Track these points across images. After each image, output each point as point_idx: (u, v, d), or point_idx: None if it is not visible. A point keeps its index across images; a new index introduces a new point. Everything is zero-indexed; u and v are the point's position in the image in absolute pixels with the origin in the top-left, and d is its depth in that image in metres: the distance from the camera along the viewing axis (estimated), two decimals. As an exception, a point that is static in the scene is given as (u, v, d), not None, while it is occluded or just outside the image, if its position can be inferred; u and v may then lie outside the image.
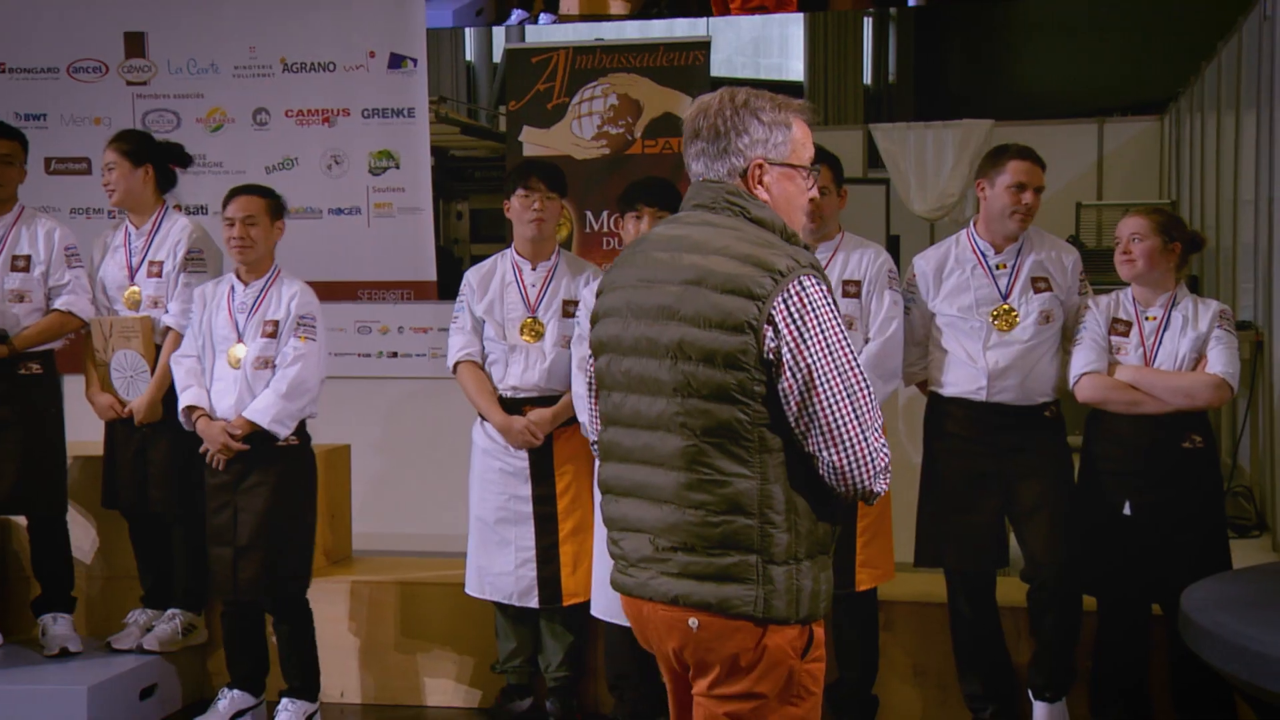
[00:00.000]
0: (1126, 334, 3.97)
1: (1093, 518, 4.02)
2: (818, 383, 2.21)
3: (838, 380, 2.22)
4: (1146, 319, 3.97)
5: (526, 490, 4.32)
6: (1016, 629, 4.24)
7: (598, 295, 2.51)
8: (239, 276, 4.33)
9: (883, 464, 2.25)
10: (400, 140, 5.57)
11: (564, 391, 4.30)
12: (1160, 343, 3.94)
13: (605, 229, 5.61)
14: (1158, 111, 10.87)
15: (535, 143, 5.61)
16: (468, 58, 13.16)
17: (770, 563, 2.26)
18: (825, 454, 2.24)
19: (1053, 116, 12.30)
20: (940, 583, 4.28)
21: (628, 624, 4.12)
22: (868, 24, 16.01)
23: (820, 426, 2.23)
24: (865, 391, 2.25)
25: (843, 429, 2.22)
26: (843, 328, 2.28)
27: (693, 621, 2.30)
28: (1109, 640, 4.08)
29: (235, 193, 4.34)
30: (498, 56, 12.14)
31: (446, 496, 4.95)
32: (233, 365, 4.25)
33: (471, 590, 4.45)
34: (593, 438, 4.15)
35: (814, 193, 2.46)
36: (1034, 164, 4.04)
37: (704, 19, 8.77)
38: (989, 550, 4.10)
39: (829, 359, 2.22)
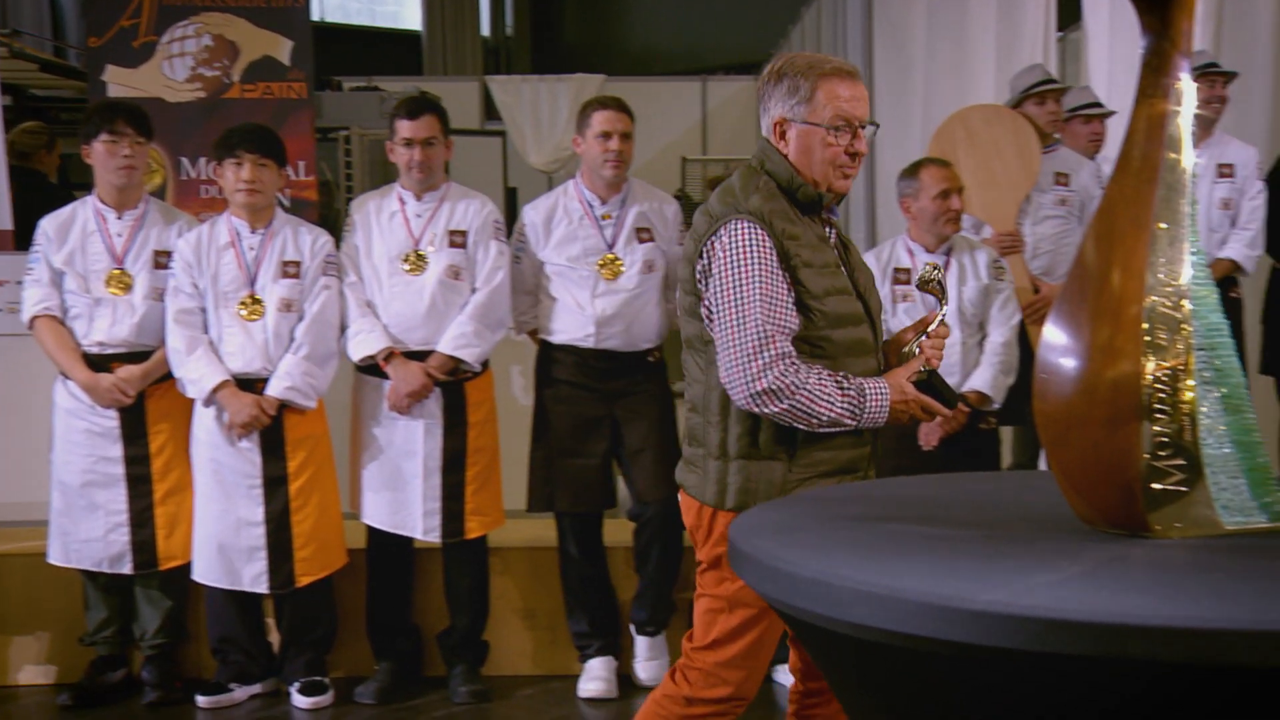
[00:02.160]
0: None
1: None
2: (714, 308, 2.58)
3: (731, 309, 2.54)
4: None
5: (117, 451, 4.09)
6: (622, 568, 4.41)
7: None
8: None
9: (760, 388, 2.50)
10: (-37, 77, 5.06)
11: (156, 347, 4.08)
12: None
13: (203, 176, 5.33)
14: (754, 72, 11.49)
15: (122, 83, 5.25)
16: (52, -11, 12.12)
17: (709, 457, 2.65)
18: (718, 368, 2.59)
19: (660, 74, 12.76)
20: (549, 526, 4.39)
21: (229, 587, 4.06)
22: (484, -25, 15.99)
23: (716, 344, 2.60)
24: (755, 322, 2.52)
25: (727, 349, 2.55)
26: (760, 265, 2.54)
27: (679, 496, 2.77)
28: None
29: None
30: (87, -11, 11.24)
31: (24, 461, 4.59)
32: None
33: (55, 559, 4.17)
34: (190, 394, 4.01)
35: (853, 147, 2.63)
36: (618, 112, 4.17)
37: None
38: (597, 493, 4.24)
39: (730, 289, 2.55)
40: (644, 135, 10.16)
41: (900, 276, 4.22)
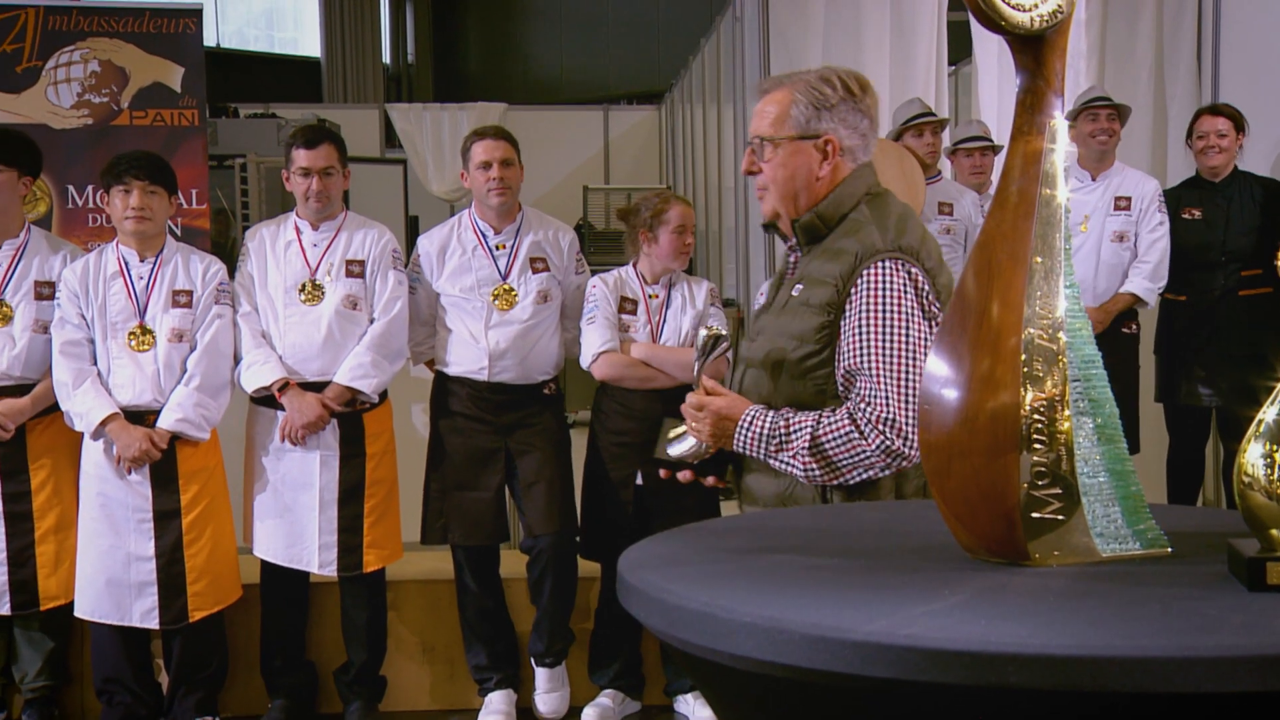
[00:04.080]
0: (634, 312, 4.17)
1: (605, 489, 4.21)
2: None
3: None
4: (651, 297, 4.19)
5: (-4, 488, 3.97)
6: (521, 600, 4.38)
7: None
8: None
9: None
10: None
11: (39, 380, 3.97)
12: (665, 320, 4.19)
13: (90, 205, 5.21)
14: (656, 101, 11.56)
15: (4, 109, 5.12)
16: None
17: None
18: None
19: (563, 103, 12.80)
20: (446, 559, 4.35)
21: (118, 623, 3.95)
22: (385, 3, 15.92)
23: None
24: None
25: None
26: None
27: None
28: (609, 605, 4.31)
29: None
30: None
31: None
32: None
33: (-69, 602, 4.02)
34: (78, 427, 3.90)
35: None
36: (495, 140, 4.17)
37: (210, -15, 8.37)
38: (490, 526, 4.21)
39: None
40: (546, 164, 10.24)
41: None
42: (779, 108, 2.33)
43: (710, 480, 2.39)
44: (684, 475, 2.37)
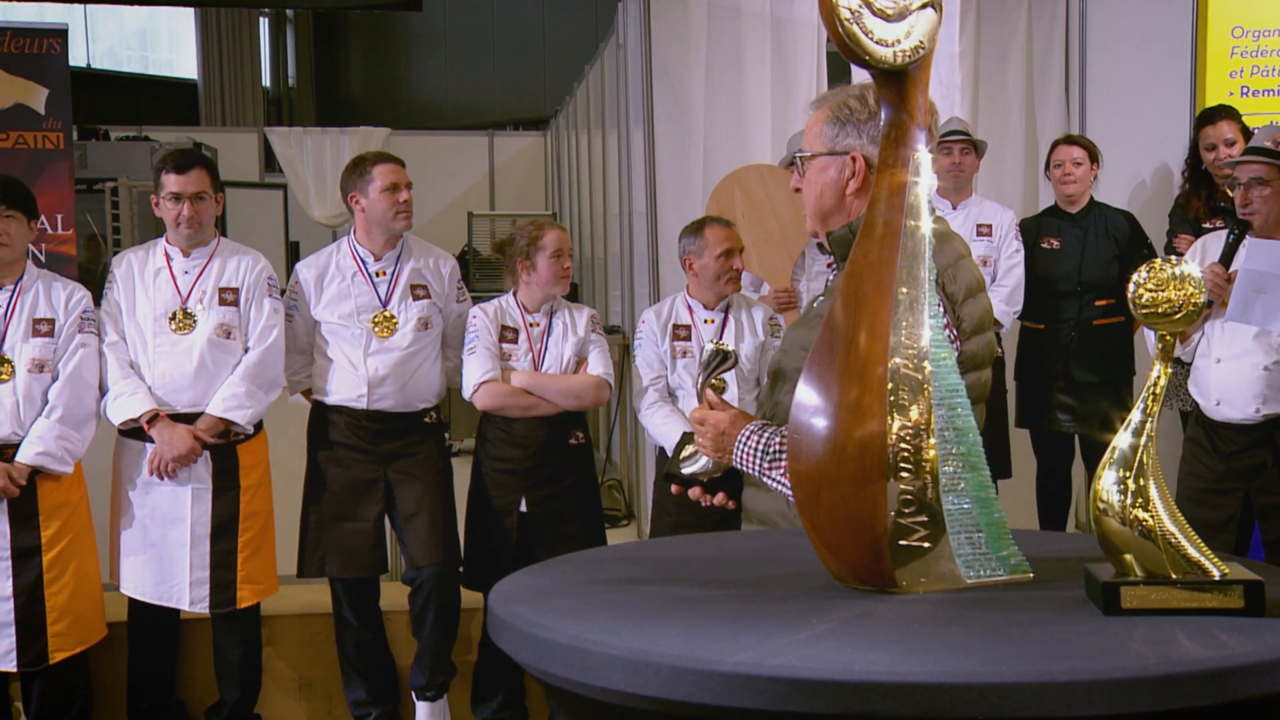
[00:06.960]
0: (515, 340, 4.15)
1: (488, 517, 4.17)
2: None
3: None
4: (532, 325, 4.17)
5: None
6: (402, 632, 4.31)
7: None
8: None
9: None
10: None
11: None
12: (546, 348, 4.17)
13: (-51, 229, 5.01)
14: (542, 127, 11.55)
15: None
16: None
17: None
18: None
19: (447, 128, 12.73)
20: (324, 592, 4.27)
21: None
22: (264, 25, 15.69)
23: None
24: None
25: None
26: None
27: None
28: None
29: None
30: None
31: None
32: None
33: None
34: None
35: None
36: (398, 164, 4.14)
37: (79, 5, 8.14)
38: (369, 557, 4.14)
39: None
40: (431, 190, 10.15)
41: (680, 333, 4.28)
42: (814, 125, 2.28)
43: (719, 499, 2.34)
44: (694, 492, 2.34)
